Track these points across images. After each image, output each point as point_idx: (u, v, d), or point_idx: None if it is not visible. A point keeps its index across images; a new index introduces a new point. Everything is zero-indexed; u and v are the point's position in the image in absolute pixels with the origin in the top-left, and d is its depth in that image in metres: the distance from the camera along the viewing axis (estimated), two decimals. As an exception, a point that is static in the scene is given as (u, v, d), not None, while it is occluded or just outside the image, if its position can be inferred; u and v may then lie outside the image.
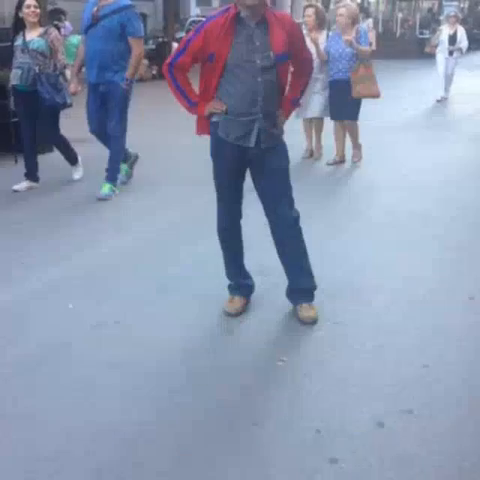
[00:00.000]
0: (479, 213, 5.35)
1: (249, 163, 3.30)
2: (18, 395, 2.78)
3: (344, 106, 6.75)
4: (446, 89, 12.17)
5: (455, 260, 4.33)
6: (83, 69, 5.79)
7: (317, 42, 6.65)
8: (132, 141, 6.13)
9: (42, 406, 2.70)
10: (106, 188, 5.68)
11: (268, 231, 3.44)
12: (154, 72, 15.21)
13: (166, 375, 2.95)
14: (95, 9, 5.44)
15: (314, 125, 7.22)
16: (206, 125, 3.29)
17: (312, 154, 7.31)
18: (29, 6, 5.53)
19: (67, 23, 15.11)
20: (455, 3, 28.51)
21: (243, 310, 3.52)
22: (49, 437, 2.50)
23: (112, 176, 5.75)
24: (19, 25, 5.67)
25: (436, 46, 12.16)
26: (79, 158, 6.33)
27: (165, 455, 2.41)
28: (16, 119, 6.15)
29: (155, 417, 2.64)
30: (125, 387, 2.84)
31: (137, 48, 5.51)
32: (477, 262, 4.29)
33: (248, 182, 3.38)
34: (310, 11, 6.95)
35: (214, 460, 2.39)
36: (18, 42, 5.64)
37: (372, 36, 6.70)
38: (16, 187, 5.90)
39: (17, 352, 3.13)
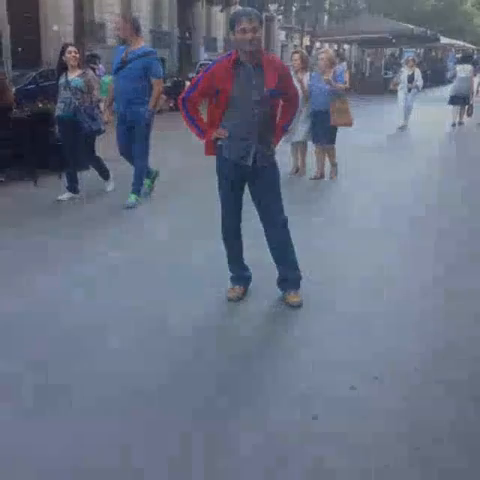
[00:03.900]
0: (434, 220, 5.33)
1: (247, 178, 3.31)
2: (58, 368, 2.77)
3: (324, 132, 6.77)
4: (406, 118, 12.15)
5: (413, 257, 4.33)
6: (113, 103, 5.81)
7: (302, 81, 6.66)
8: (153, 160, 6.12)
9: (79, 376, 2.70)
10: (132, 198, 5.69)
11: (263, 233, 3.45)
12: (171, 105, 15.19)
13: (180, 348, 2.96)
14: (124, 54, 5.47)
15: (299, 148, 7.21)
16: (213, 148, 3.30)
17: (297, 171, 7.30)
18: (70, 52, 5.59)
19: (101, 65, 15.14)
20: (413, 49, 28.45)
21: (242, 297, 3.52)
22: (86, 399, 2.51)
23: (137, 189, 5.76)
24: (62, 67, 5.70)
25: (397, 84, 12.15)
26: (111, 174, 6.34)
27: (180, 409, 2.43)
28: (60, 143, 6.15)
29: (172, 381, 2.65)
30: (147, 358, 2.85)
31: (157, 86, 5.51)
32: (430, 259, 4.29)
33: (247, 193, 3.39)
34: (296, 56, 6.99)
35: (220, 414, 2.40)
36: (61, 81, 5.68)
37: (346, 76, 6.66)
38: (60, 197, 5.91)
39: (61, 327, 3.14)
